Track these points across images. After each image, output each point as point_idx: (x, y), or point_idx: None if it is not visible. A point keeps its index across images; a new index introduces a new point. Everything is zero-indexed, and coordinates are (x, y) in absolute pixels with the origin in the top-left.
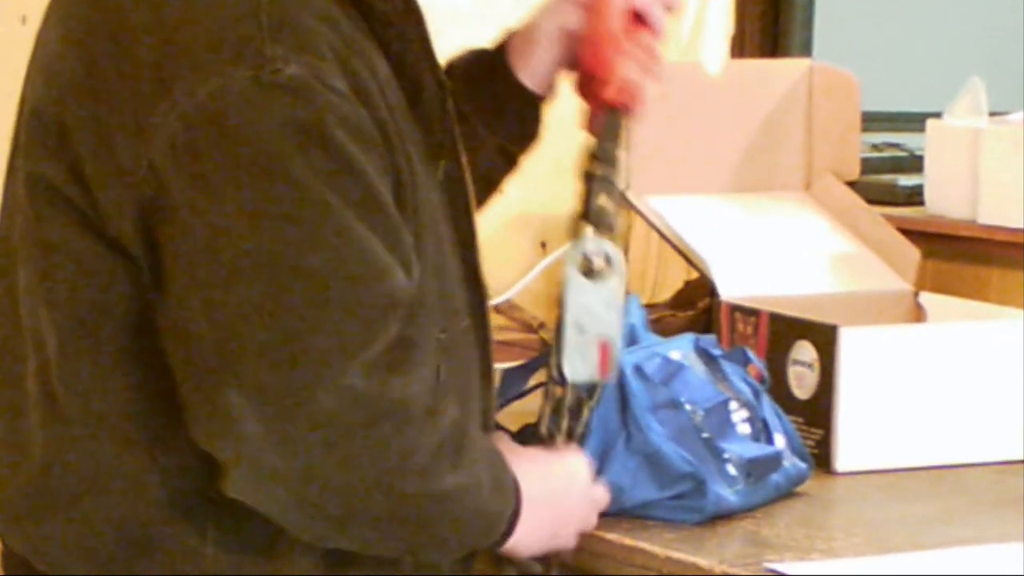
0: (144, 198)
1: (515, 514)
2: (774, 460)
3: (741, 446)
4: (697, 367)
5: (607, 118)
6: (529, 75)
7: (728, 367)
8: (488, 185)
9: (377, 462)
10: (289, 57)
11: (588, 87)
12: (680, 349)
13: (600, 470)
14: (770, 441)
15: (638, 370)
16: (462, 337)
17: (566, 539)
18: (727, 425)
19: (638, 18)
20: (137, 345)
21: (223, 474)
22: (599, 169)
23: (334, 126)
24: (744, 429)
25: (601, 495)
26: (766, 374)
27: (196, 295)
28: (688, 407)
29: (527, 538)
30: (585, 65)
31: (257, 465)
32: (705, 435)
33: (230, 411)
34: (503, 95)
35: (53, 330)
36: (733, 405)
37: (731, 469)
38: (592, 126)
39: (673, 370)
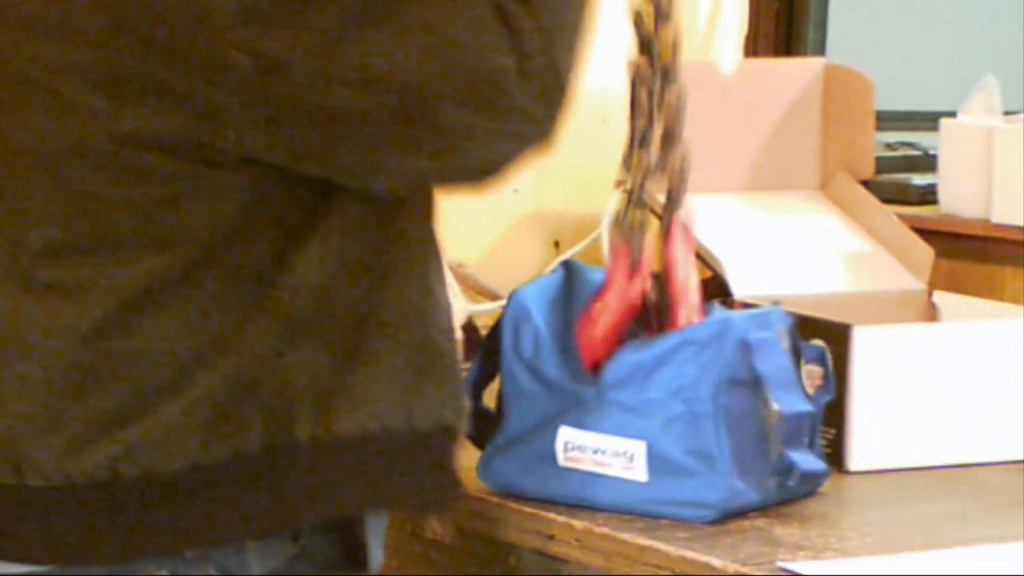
0: None
1: None
2: (822, 476)
3: (800, 456)
4: (784, 349)
5: None
6: None
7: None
8: None
9: None
10: None
11: None
12: (780, 323)
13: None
14: (812, 446)
15: (744, 343)
16: None
17: None
18: (798, 435)
19: None
20: None
21: None
22: None
23: None
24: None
25: None
26: (832, 383)
27: None
28: (773, 405)
29: None
30: None
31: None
32: (769, 434)
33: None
34: None
35: None
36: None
37: (768, 471)
38: None
39: (773, 356)
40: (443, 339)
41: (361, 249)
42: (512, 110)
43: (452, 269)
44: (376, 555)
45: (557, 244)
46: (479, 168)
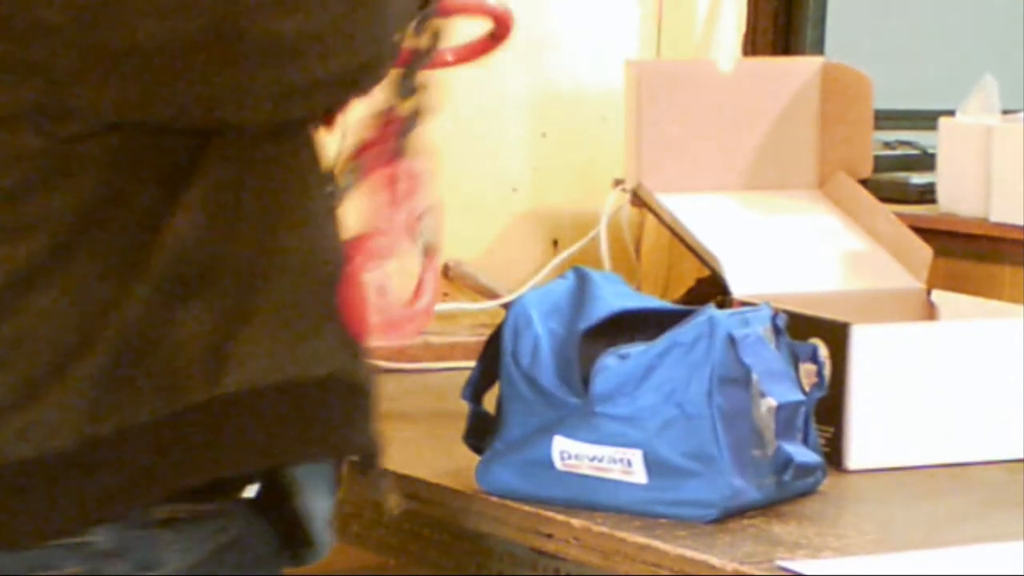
0: None
1: None
2: (818, 468)
3: (794, 448)
4: (771, 345)
5: None
6: None
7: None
8: None
9: None
10: None
11: None
12: (761, 323)
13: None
14: (806, 441)
15: (730, 339)
16: None
17: None
18: (792, 426)
19: None
20: None
21: None
22: None
23: None
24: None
25: None
26: (827, 379)
27: None
28: (765, 398)
29: None
30: None
31: None
32: (764, 429)
33: None
34: None
35: None
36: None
37: (766, 467)
38: None
39: (759, 350)
40: (331, 287)
41: (239, 202)
42: (326, 13)
43: (450, 267)
44: (323, 537)
45: (556, 242)
46: (331, 78)
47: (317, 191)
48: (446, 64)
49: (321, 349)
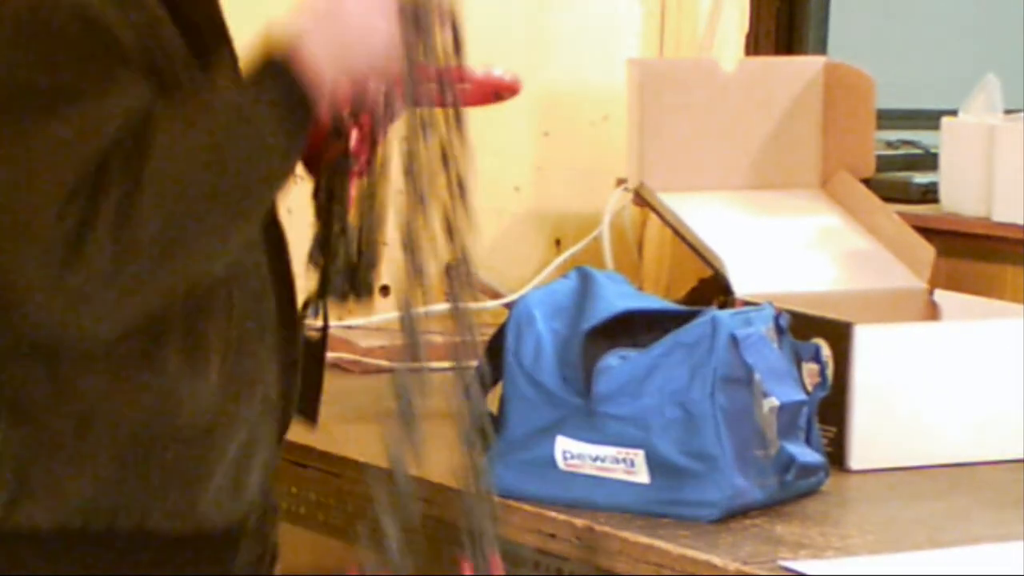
0: None
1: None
2: (820, 468)
3: (797, 448)
4: (773, 345)
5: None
6: None
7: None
8: None
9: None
10: None
11: None
12: (763, 323)
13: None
14: (808, 441)
15: (733, 339)
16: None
17: (368, 52)
18: (794, 426)
19: None
20: None
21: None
22: None
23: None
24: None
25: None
26: (829, 379)
27: None
28: (768, 398)
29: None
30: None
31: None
32: (766, 428)
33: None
34: None
35: None
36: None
37: (769, 467)
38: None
39: (762, 349)
40: (161, 437)
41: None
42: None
43: (451, 267)
44: None
45: (558, 242)
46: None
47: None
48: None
49: (132, 501)
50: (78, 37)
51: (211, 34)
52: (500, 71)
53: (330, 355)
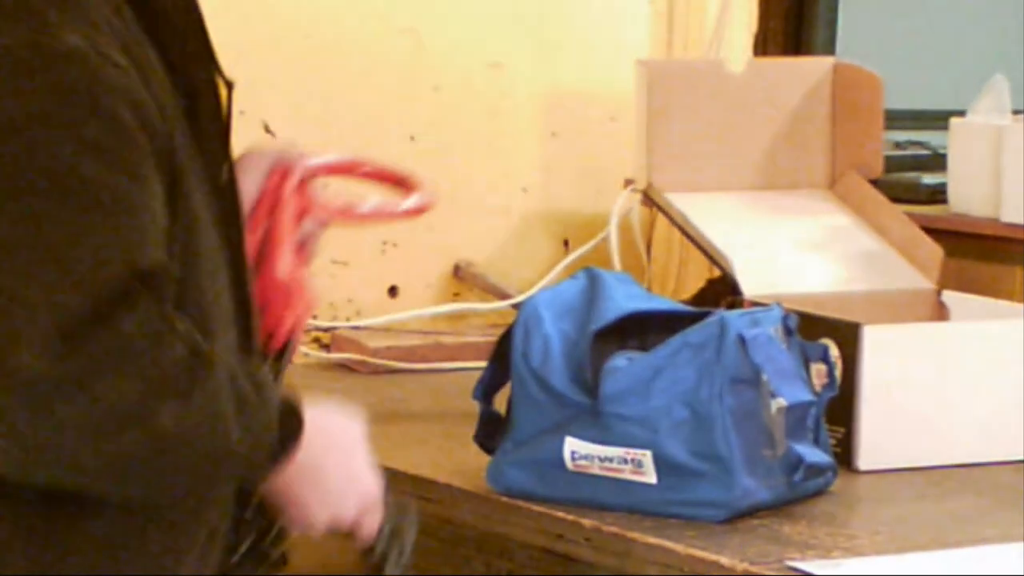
0: None
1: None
2: (828, 468)
3: (805, 448)
4: (781, 345)
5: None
6: None
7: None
8: None
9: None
10: (71, 26)
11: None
12: (771, 323)
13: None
14: (816, 441)
15: (741, 340)
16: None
17: (348, 502)
18: (802, 426)
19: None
20: None
21: None
22: None
23: (110, 96)
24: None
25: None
26: (838, 379)
27: None
28: (775, 398)
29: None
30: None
31: None
32: (774, 429)
33: None
34: None
35: None
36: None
37: (776, 468)
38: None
39: (769, 350)
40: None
41: None
42: None
43: (461, 267)
44: None
45: (566, 242)
46: None
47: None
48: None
49: None
50: (126, 128)
51: (206, 90)
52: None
53: (338, 355)
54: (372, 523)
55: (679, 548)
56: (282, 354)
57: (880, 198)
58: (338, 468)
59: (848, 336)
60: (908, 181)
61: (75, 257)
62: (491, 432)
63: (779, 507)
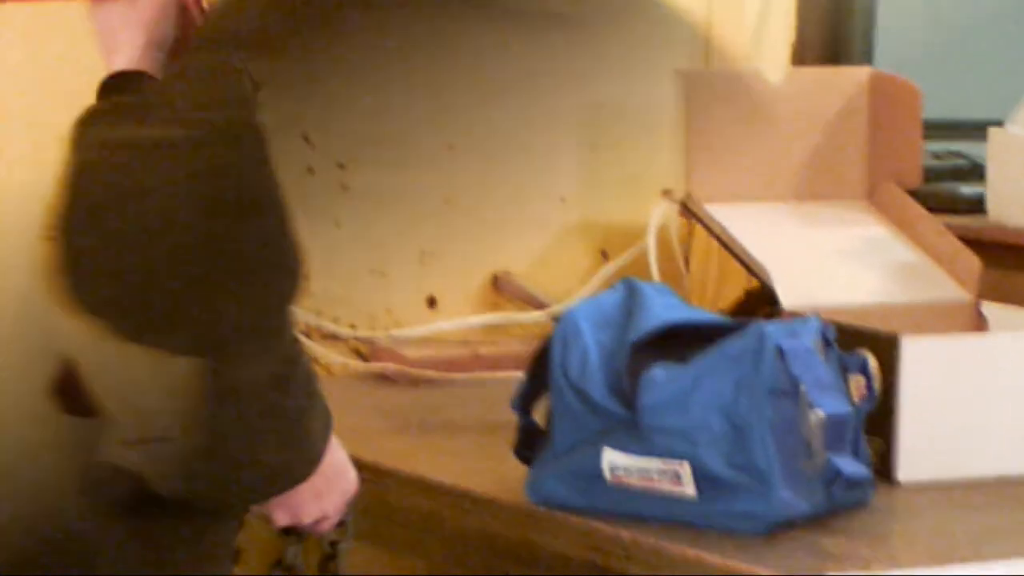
0: None
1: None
2: (867, 481)
3: (844, 460)
4: (820, 357)
5: None
6: None
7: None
8: None
9: None
10: None
11: None
12: (810, 335)
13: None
14: (855, 454)
15: (779, 351)
16: None
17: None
18: (841, 438)
19: None
20: None
21: None
22: None
23: None
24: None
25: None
26: (877, 391)
27: None
28: (815, 410)
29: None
30: None
31: None
32: (813, 441)
33: None
34: None
35: None
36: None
37: (815, 480)
38: None
39: (808, 361)
40: None
41: None
42: None
43: (500, 278)
44: None
45: (604, 253)
46: None
47: None
48: None
49: None
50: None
51: None
52: None
53: (377, 365)
54: (337, 516)
55: (717, 560)
56: None
57: (918, 209)
58: (328, 465)
59: (887, 348)
60: (946, 192)
61: None
62: (529, 443)
63: (818, 519)
